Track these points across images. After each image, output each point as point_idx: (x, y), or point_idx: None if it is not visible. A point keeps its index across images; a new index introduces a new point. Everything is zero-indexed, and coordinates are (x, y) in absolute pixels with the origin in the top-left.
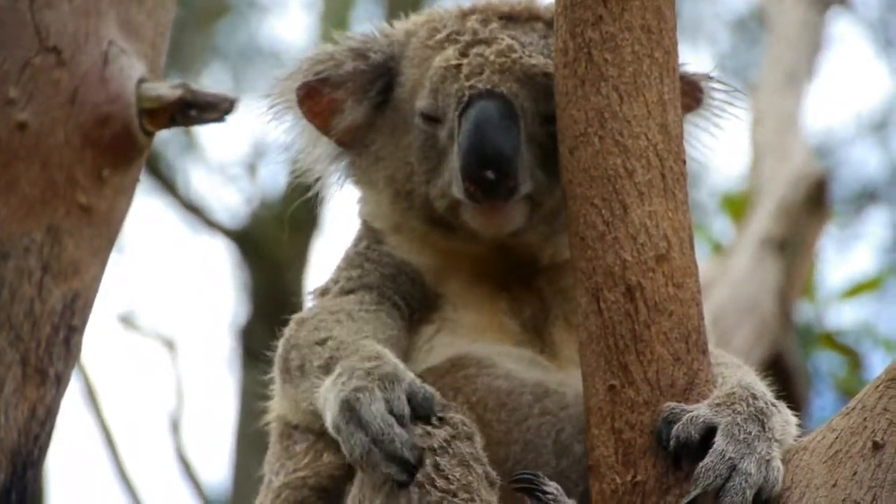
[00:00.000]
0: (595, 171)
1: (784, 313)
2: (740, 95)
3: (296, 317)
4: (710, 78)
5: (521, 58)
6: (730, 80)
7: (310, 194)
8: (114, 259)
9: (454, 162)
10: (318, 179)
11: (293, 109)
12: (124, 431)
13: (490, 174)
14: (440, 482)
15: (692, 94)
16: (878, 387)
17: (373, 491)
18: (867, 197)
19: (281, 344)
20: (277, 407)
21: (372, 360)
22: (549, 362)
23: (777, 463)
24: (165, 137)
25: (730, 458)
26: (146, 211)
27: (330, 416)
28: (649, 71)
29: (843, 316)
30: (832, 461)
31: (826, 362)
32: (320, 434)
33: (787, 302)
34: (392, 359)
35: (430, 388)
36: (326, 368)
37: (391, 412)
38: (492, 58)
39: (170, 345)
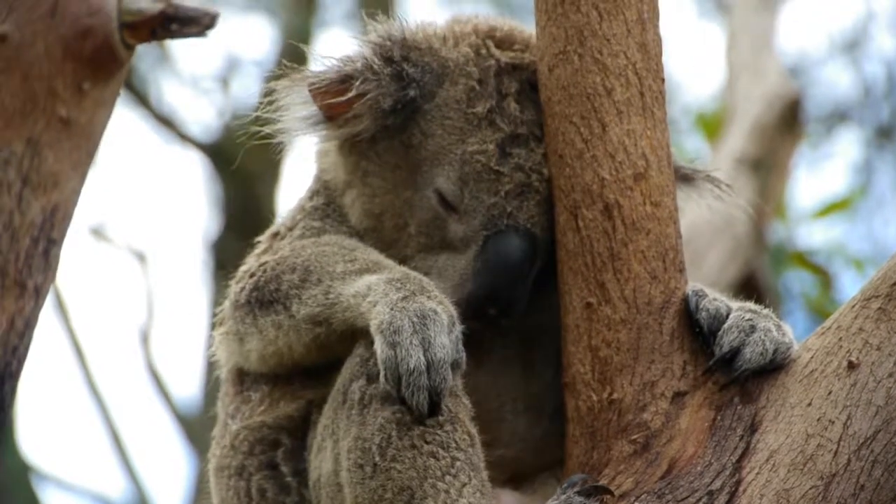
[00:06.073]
0: (574, 89)
1: (757, 233)
2: (732, 192)
3: (269, 256)
4: (708, 176)
5: (548, 177)
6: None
7: (275, 141)
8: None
9: (460, 269)
10: (288, 132)
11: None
12: (94, 345)
13: (493, 311)
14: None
15: (686, 182)
16: (853, 307)
17: (347, 421)
18: (839, 117)
19: (247, 285)
20: (227, 355)
21: (435, 290)
22: None
23: (789, 330)
24: (138, 49)
25: (749, 320)
26: (118, 123)
27: (389, 313)
28: None
29: (815, 235)
30: (807, 380)
31: (797, 282)
32: (274, 382)
33: (760, 221)
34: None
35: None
36: (363, 272)
37: None
38: (534, 180)
39: (141, 257)
